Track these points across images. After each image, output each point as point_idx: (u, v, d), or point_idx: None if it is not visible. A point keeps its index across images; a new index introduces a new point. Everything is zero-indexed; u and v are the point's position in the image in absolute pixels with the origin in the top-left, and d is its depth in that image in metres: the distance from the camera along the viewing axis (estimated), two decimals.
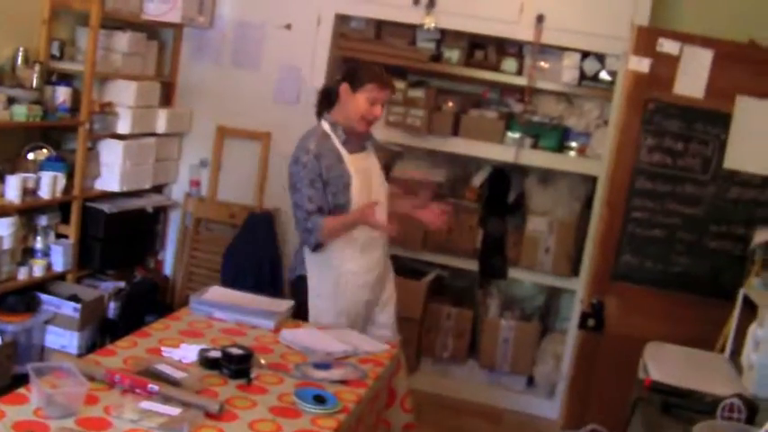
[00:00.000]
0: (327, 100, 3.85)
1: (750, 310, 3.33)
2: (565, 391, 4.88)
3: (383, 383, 3.33)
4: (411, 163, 5.58)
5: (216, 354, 2.96)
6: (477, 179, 5.54)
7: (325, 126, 3.79)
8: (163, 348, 3.07)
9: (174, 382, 2.71)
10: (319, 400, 2.78)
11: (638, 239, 4.45)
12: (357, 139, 3.83)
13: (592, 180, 5.23)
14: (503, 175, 5.52)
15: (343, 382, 3.04)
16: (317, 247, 3.74)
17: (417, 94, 5.42)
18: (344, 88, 3.75)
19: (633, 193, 4.42)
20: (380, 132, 5.42)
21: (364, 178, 3.78)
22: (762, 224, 4.01)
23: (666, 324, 4.25)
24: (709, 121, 4.29)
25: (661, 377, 3.09)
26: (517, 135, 5.26)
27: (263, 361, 3.06)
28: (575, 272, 5.24)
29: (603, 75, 5.20)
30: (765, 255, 3.84)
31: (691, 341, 3.76)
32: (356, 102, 3.72)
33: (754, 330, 3.13)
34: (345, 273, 3.80)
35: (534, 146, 5.33)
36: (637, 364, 3.54)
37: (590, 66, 5.21)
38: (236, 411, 2.66)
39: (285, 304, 3.69)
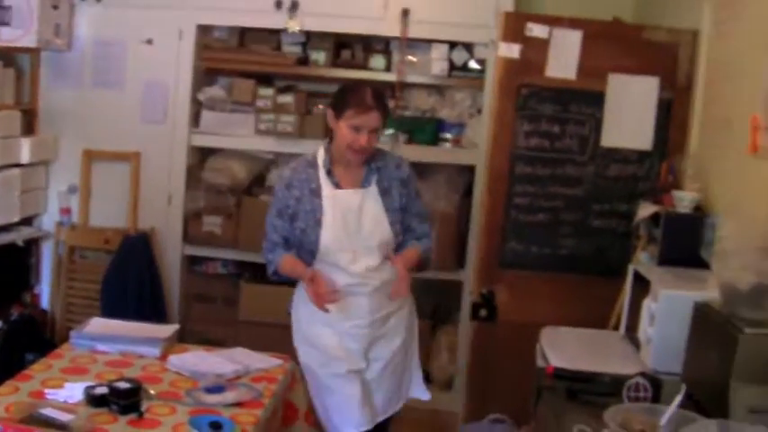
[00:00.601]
0: (330, 131, 3.57)
1: (640, 284, 3.33)
2: (463, 383, 4.84)
3: (279, 400, 3.24)
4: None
5: (102, 390, 2.83)
6: None
7: (320, 153, 3.53)
8: (46, 390, 2.92)
9: (62, 426, 2.57)
10: (215, 426, 2.68)
11: (522, 225, 4.41)
12: (354, 172, 3.52)
13: (469, 170, 5.22)
14: None
15: (238, 404, 2.94)
16: (275, 275, 3.59)
17: (286, 99, 5.34)
18: (330, 116, 3.49)
19: (513, 180, 4.39)
20: (251, 141, 5.34)
21: (345, 217, 3.45)
22: (643, 199, 4.02)
23: (559, 307, 4.25)
24: (584, 101, 4.29)
25: (561, 363, 3.06)
26: (391, 131, 5.20)
27: (152, 391, 2.94)
28: (460, 264, 5.22)
29: (473, 64, 5.21)
30: (650, 229, 3.85)
31: (584, 322, 3.76)
32: (341, 130, 3.41)
33: (648, 305, 3.13)
34: (316, 321, 3.54)
35: (409, 141, 5.30)
36: (533, 351, 3.52)
37: (458, 56, 5.21)
38: None
39: (170, 329, 3.57)
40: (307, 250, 3.49)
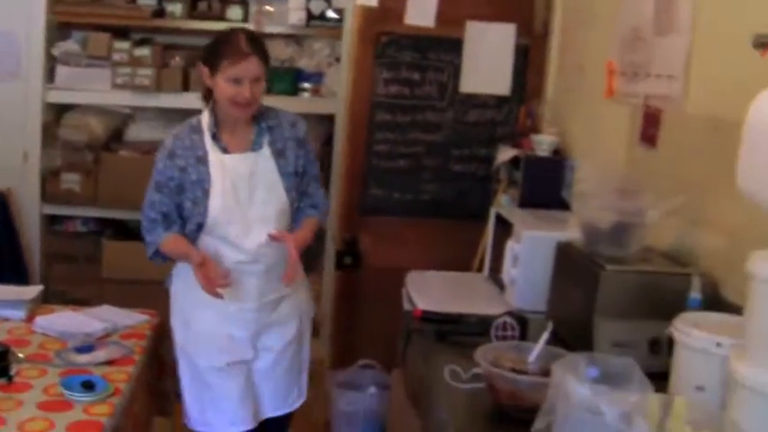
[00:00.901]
0: (208, 91, 3.16)
1: (502, 227, 3.40)
2: (329, 330, 4.87)
3: (150, 355, 3.20)
4: (144, 124, 5.39)
5: None
6: None
7: (204, 117, 3.13)
8: None
9: None
10: (88, 386, 2.62)
11: (383, 172, 4.44)
12: (243, 135, 3.14)
13: (329, 119, 5.22)
14: None
15: (109, 362, 2.89)
16: (157, 256, 3.17)
17: (143, 52, 5.19)
18: (204, 73, 3.10)
19: (374, 127, 4.40)
20: (108, 96, 5.18)
21: (235, 186, 3.08)
22: (503, 143, 4.10)
23: (423, 251, 4.30)
24: (442, 48, 4.32)
25: (428, 306, 3.10)
26: None
27: (20, 354, 2.86)
28: None
29: (330, 13, 5.17)
30: (510, 172, 3.93)
31: (449, 265, 3.82)
32: (219, 87, 3.02)
33: (511, 247, 3.20)
34: (197, 301, 3.13)
35: (267, 91, 5.22)
36: (400, 296, 3.55)
37: (316, 5, 5.17)
38: (1, 415, 2.45)
39: (34, 290, 3.48)
40: (194, 223, 3.11)
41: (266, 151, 3.15)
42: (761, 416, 1.90)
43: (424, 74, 4.34)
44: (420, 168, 4.43)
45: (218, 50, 3.05)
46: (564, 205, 3.16)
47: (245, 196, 3.10)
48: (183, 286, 3.21)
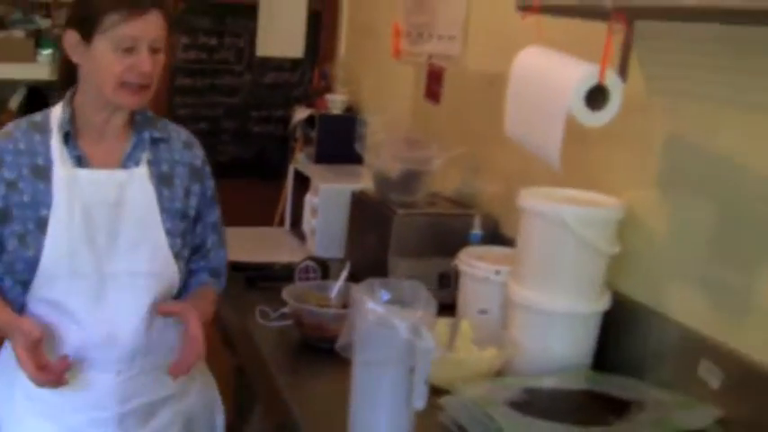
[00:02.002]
0: (68, 74, 2.09)
1: (301, 182, 3.56)
2: None
3: None
4: None
5: None
6: (14, 101, 5.30)
7: (54, 112, 2.08)
8: None
9: None
10: None
11: None
12: (113, 142, 2.09)
13: None
14: (41, 94, 5.32)
15: None
16: None
17: None
18: (72, 42, 2.01)
19: (175, 92, 4.47)
20: None
21: (90, 217, 2.00)
22: (298, 104, 4.25)
23: (226, 211, 4.37)
24: (239, 14, 4.44)
25: (236, 257, 3.21)
26: (49, 51, 5.06)
27: None
28: None
29: None
30: (305, 131, 4.09)
31: (252, 222, 3.93)
32: (98, 59, 1.97)
33: (309, 200, 3.36)
34: (26, 408, 2.09)
35: None
36: None
37: None
38: None
39: None
40: (17, 276, 2.03)
41: (143, 171, 2.08)
42: (533, 329, 2.16)
43: (221, 39, 4.44)
44: (220, 131, 4.54)
45: (97, 2, 1.98)
46: (357, 159, 3.34)
47: (103, 236, 2.02)
48: (3, 383, 2.13)
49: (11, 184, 2.00)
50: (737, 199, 1.96)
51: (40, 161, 2.02)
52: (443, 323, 2.22)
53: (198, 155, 2.23)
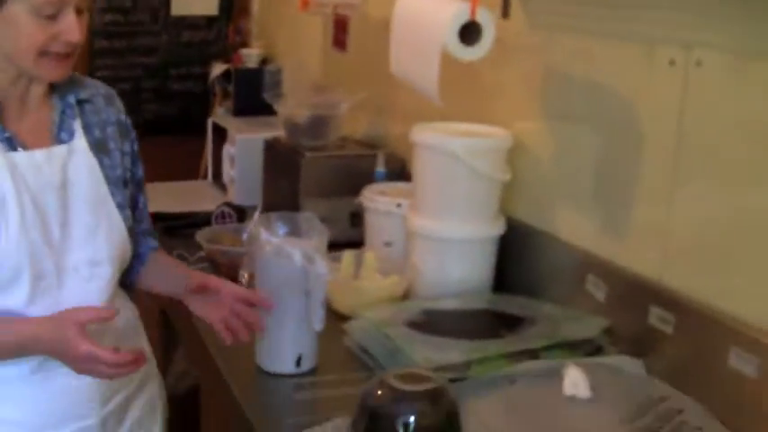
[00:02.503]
0: None
1: (219, 135, 3.62)
2: None
3: None
4: None
5: None
6: None
7: None
8: None
9: None
10: None
11: None
12: (36, 114, 1.74)
13: None
14: None
15: None
16: None
17: None
18: None
19: (94, 55, 4.47)
20: None
21: (38, 206, 1.67)
22: (215, 60, 4.30)
23: (150, 169, 4.39)
24: None
25: (157, 208, 3.28)
26: None
27: None
28: None
29: None
30: (223, 85, 4.14)
31: (176, 177, 3.98)
32: (14, 26, 1.59)
33: (227, 150, 3.44)
34: None
35: None
36: None
37: None
38: None
39: None
40: None
41: (82, 143, 1.78)
42: (432, 256, 2.28)
43: (135, 0, 4.45)
44: (141, 90, 4.56)
45: None
46: (274, 110, 3.42)
47: (56, 226, 1.70)
48: None
49: None
50: (614, 124, 2.08)
51: None
52: (349, 255, 2.32)
53: (120, 107, 1.92)
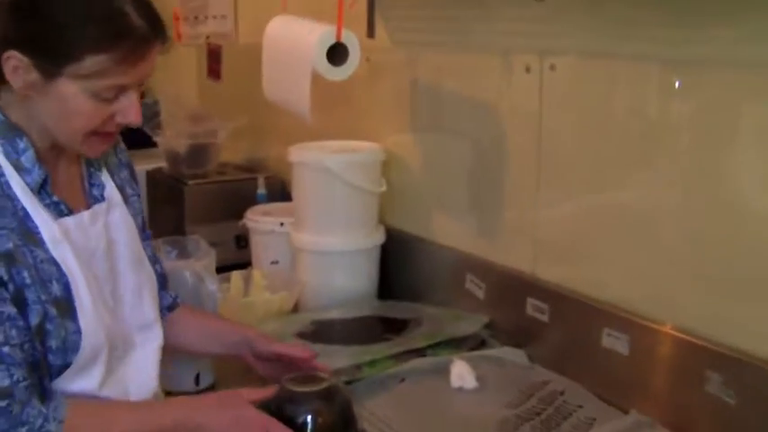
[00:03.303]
0: None
1: None
2: None
3: None
4: None
5: None
6: None
7: None
8: None
9: None
10: None
11: None
12: (67, 170, 1.50)
13: None
14: None
15: None
16: None
17: None
18: (15, 65, 1.33)
19: None
20: None
21: (94, 274, 1.45)
22: None
23: None
24: None
25: None
26: None
27: None
28: None
29: None
30: None
31: None
32: (61, 102, 1.34)
33: None
34: None
35: None
36: None
37: None
38: None
39: None
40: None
41: (116, 196, 1.56)
42: (317, 269, 2.34)
43: None
44: None
45: (72, 33, 1.32)
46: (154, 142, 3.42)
47: (108, 292, 1.50)
48: None
49: (11, 258, 1.32)
50: (480, 132, 2.17)
51: (13, 223, 1.34)
52: (237, 275, 2.35)
53: (123, 147, 1.69)
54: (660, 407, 1.71)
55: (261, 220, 2.53)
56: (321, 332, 2.08)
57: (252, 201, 2.80)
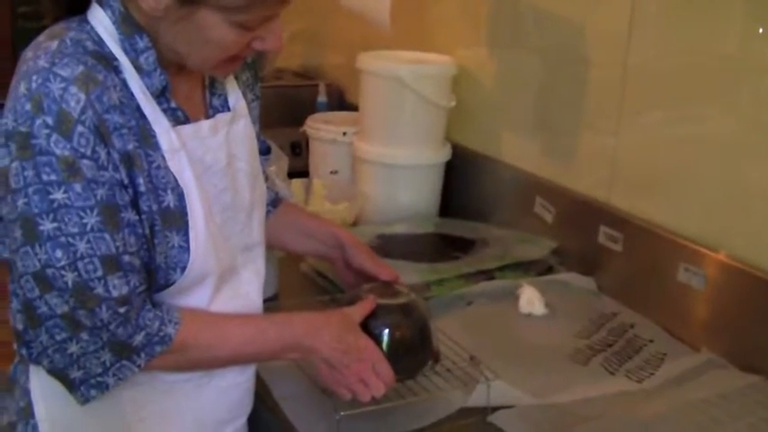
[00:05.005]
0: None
1: None
2: None
3: None
4: None
5: None
6: None
7: (102, 25, 1.22)
8: None
9: None
10: None
11: (33, 33, 4.37)
12: (192, 78, 1.32)
13: None
14: None
15: None
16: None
17: None
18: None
19: None
20: None
21: (208, 190, 1.30)
22: None
23: None
24: None
25: None
26: None
27: None
28: None
29: None
30: None
31: None
32: (199, 32, 1.19)
33: None
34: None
35: None
36: None
37: None
38: None
39: None
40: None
41: (242, 107, 1.40)
42: (380, 182, 2.25)
43: None
44: None
45: None
46: None
47: (218, 210, 1.34)
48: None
49: (129, 160, 1.20)
50: (561, 51, 2.05)
51: (133, 123, 1.21)
52: (298, 183, 2.28)
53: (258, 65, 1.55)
54: (733, 347, 1.63)
55: (323, 129, 2.44)
56: (387, 247, 1.99)
57: (309, 108, 2.70)
